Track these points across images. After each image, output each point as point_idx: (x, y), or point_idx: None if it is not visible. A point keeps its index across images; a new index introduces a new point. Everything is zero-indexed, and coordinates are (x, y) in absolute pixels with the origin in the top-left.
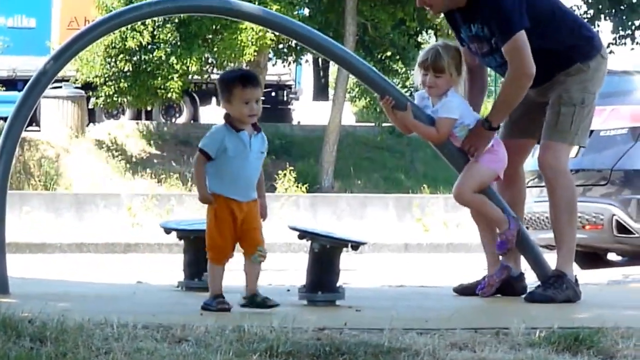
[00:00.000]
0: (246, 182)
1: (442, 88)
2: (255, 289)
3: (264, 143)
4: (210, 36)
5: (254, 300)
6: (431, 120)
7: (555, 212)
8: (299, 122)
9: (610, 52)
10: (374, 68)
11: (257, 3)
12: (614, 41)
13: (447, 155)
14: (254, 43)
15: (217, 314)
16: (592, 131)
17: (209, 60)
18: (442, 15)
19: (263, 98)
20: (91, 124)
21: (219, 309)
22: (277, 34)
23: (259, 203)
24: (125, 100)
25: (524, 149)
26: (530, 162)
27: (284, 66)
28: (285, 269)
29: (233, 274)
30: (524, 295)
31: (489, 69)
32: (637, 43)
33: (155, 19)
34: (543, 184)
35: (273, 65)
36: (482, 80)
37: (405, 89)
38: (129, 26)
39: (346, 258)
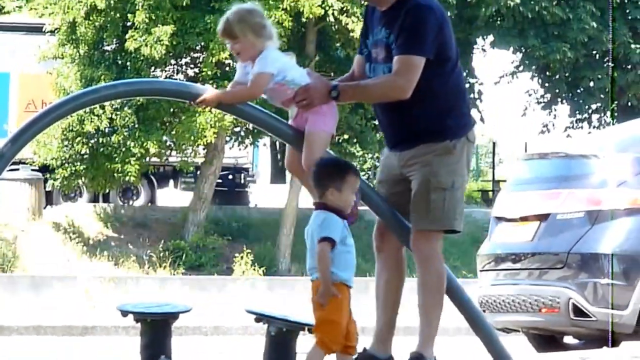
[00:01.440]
0: (354, 269)
1: (248, 51)
2: None
3: None
4: (169, 119)
5: None
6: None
7: (423, 296)
8: (256, 205)
9: (568, 135)
10: (330, 151)
11: (214, 86)
12: (571, 125)
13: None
14: (212, 126)
15: None
16: (548, 214)
17: (167, 143)
18: None
19: (220, 181)
20: (48, 206)
21: None
22: (234, 117)
23: None
24: (82, 182)
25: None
26: (487, 246)
27: (241, 149)
28: (241, 352)
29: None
30: None
31: None
32: (594, 127)
33: (114, 102)
34: (499, 267)
35: (230, 148)
36: None
37: (363, 172)
38: (88, 109)
39: (303, 341)
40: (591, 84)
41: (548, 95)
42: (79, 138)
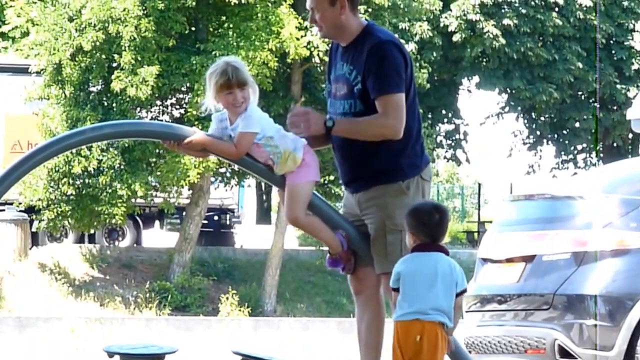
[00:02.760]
0: None
1: (248, 100)
2: None
3: None
4: (154, 160)
5: None
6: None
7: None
8: (241, 246)
9: (553, 176)
10: (316, 193)
11: (200, 127)
12: (556, 165)
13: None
14: (197, 167)
15: None
16: (534, 256)
17: (153, 184)
18: None
19: (205, 222)
20: (34, 247)
21: None
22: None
23: None
24: (68, 223)
25: (369, 275)
26: (473, 288)
27: (227, 190)
28: None
29: None
30: None
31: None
32: (579, 167)
33: (100, 143)
34: (485, 308)
35: (215, 188)
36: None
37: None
38: (74, 150)
39: None
40: (577, 124)
41: (533, 136)
42: (65, 179)
